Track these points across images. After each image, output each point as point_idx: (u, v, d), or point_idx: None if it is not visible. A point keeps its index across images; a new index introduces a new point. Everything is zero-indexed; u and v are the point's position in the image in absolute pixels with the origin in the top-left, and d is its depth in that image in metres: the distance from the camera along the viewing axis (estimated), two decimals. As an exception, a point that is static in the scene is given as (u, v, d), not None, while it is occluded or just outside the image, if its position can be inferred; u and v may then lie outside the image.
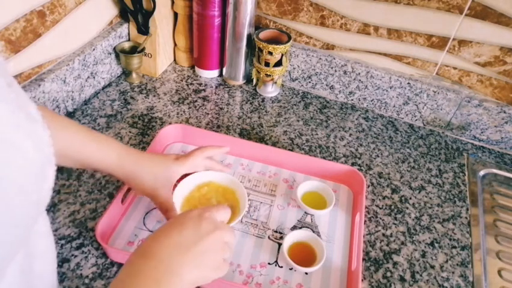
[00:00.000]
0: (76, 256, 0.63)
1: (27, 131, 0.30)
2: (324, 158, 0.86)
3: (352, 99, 1.01)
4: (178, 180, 0.68)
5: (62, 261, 0.62)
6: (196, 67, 1.05)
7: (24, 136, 0.29)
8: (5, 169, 0.27)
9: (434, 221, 0.77)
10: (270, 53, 0.93)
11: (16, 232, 0.30)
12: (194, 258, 0.45)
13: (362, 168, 0.85)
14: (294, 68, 1.01)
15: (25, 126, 0.30)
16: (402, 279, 0.67)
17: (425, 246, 0.72)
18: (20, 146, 0.29)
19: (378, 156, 0.89)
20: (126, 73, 1.00)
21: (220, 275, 0.48)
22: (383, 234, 0.73)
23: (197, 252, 0.45)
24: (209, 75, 1.04)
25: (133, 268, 0.43)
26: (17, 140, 0.29)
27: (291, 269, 0.65)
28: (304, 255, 0.66)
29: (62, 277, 0.60)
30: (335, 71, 0.98)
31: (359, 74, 0.96)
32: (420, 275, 0.68)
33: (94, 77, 0.91)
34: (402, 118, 0.99)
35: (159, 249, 0.44)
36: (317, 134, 0.92)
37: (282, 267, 0.65)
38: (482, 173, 0.88)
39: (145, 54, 0.98)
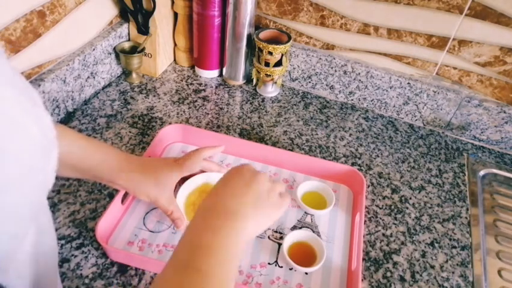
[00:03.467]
0: (76, 256, 0.63)
1: (32, 114, 0.31)
2: (324, 158, 0.86)
3: (352, 99, 1.01)
4: (178, 182, 0.68)
5: (62, 261, 0.62)
6: (196, 67, 1.05)
7: (30, 119, 0.31)
8: (16, 149, 0.28)
9: (434, 221, 0.77)
10: (270, 53, 0.93)
11: (24, 211, 0.31)
12: (249, 201, 0.48)
13: (362, 168, 0.85)
14: (294, 68, 1.01)
15: (30, 110, 0.31)
16: (402, 279, 0.67)
17: (425, 246, 0.72)
18: (27, 128, 0.30)
19: (378, 156, 0.89)
20: (126, 73, 1.00)
21: (282, 211, 0.51)
22: (383, 234, 0.73)
23: (249, 196, 0.48)
24: (209, 75, 1.04)
25: (197, 221, 0.46)
26: (24, 122, 0.30)
27: (291, 269, 0.65)
28: (304, 255, 0.66)
29: (62, 277, 0.60)
30: (335, 71, 0.98)
31: (359, 74, 0.96)
32: (420, 275, 0.68)
33: (94, 77, 0.91)
34: (402, 118, 0.99)
35: (214, 202, 0.47)
36: (317, 134, 0.92)
37: (282, 267, 0.65)
38: (482, 173, 0.88)
39: (145, 54, 0.98)
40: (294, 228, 0.71)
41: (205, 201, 0.48)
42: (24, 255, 0.36)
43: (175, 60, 1.08)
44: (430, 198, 0.81)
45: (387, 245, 0.71)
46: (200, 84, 1.02)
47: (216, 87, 1.02)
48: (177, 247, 0.44)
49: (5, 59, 0.30)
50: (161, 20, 0.95)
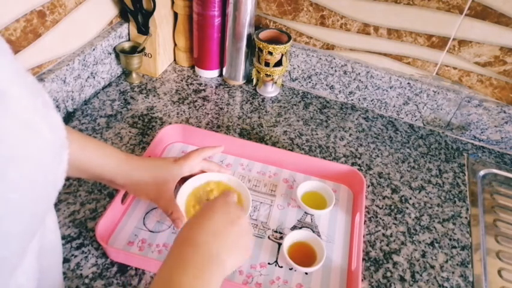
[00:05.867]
0: (76, 256, 0.63)
1: (43, 114, 0.31)
2: (324, 158, 0.86)
3: (352, 99, 1.01)
4: (178, 182, 0.68)
5: (62, 261, 0.62)
6: (196, 67, 1.05)
7: (41, 119, 0.31)
8: (27, 148, 0.28)
9: (434, 221, 0.77)
10: (270, 53, 0.93)
11: (36, 210, 0.31)
12: (230, 242, 0.47)
13: (362, 168, 0.85)
14: (294, 68, 1.01)
15: (41, 110, 0.31)
16: (402, 279, 0.67)
17: (425, 246, 0.72)
18: (38, 127, 0.30)
19: (378, 156, 0.89)
20: (126, 73, 1.00)
21: (247, 258, 0.52)
22: (383, 234, 0.73)
23: (231, 236, 0.48)
24: (209, 75, 1.04)
25: (177, 256, 0.45)
26: (35, 122, 0.30)
27: (291, 269, 0.65)
28: (304, 255, 0.66)
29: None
30: (335, 71, 0.98)
31: (359, 74, 0.96)
32: (420, 275, 0.68)
33: (94, 77, 0.91)
34: (402, 118, 0.99)
35: (196, 236, 0.46)
36: (317, 134, 0.92)
37: (282, 267, 0.65)
38: (482, 173, 0.88)
39: (145, 54, 0.98)
40: (294, 228, 0.71)
41: (186, 231, 0.47)
42: (32, 254, 0.36)
43: (175, 60, 1.08)
44: (430, 198, 0.81)
45: (387, 245, 0.71)
46: (200, 84, 1.02)
47: (216, 87, 1.02)
48: (155, 278, 0.42)
49: (13, 57, 0.30)
50: (161, 20, 0.95)
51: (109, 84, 0.98)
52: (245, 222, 0.51)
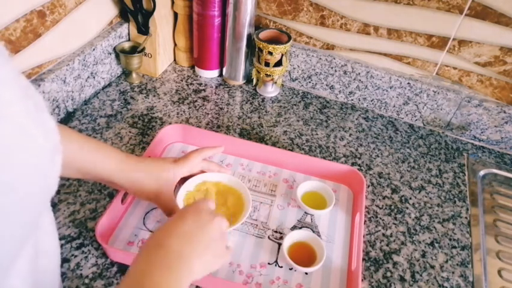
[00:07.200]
0: (76, 256, 0.63)
1: (36, 118, 0.31)
2: (324, 158, 0.86)
3: (352, 99, 1.01)
4: (178, 183, 0.68)
5: (62, 261, 0.62)
6: (196, 67, 1.05)
7: (34, 123, 0.30)
8: (20, 152, 0.28)
9: (434, 221, 0.77)
10: (270, 53, 0.93)
11: (30, 214, 0.31)
12: (200, 246, 0.48)
13: (362, 168, 0.85)
14: (294, 68, 1.01)
15: (34, 114, 0.31)
16: (402, 279, 0.67)
17: (425, 246, 0.72)
18: (31, 132, 0.30)
19: (378, 156, 0.89)
20: (126, 73, 1.00)
21: (224, 263, 0.52)
22: (383, 234, 0.73)
23: (202, 240, 0.48)
24: (209, 75, 1.04)
25: (147, 258, 0.46)
26: (28, 126, 0.30)
27: (291, 269, 0.65)
28: (304, 255, 0.66)
29: (62, 277, 0.60)
30: (335, 71, 0.98)
31: (359, 74, 0.96)
32: (420, 275, 0.68)
33: (94, 77, 0.91)
34: (402, 118, 0.99)
35: (168, 239, 0.47)
36: (317, 134, 0.92)
37: (282, 267, 0.65)
38: (482, 173, 0.88)
39: (145, 54, 0.98)
40: (294, 228, 0.71)
41: (157, 235, 0.48)
42: (27, 257, 0.36)
43: (175, 60, 1.08)
44: (430, 198, 0.81)
45: (387, 245, 0.71)
46: (200, 84, 1.02)
47: (216, 87, 1.02)
48: (124, 279, 0.43)
49: (8, 60, 0.30)
50: (161, 20, 0.95)
51: (109, 84, 0.98)
52: (216, 228, 0.51)
